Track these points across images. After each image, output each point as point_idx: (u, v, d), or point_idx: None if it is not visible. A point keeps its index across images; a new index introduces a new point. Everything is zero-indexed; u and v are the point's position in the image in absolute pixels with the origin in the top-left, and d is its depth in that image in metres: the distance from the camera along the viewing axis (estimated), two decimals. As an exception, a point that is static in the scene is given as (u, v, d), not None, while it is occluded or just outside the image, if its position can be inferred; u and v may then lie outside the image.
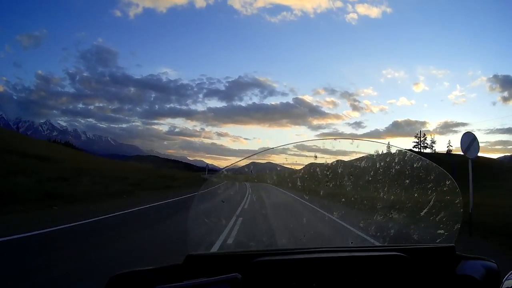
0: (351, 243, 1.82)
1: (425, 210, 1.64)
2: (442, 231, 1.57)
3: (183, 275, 1.18)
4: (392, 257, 1.36)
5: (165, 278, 1.18)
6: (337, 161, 2.16)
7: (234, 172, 2.29)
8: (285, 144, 1.82)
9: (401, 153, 1.88)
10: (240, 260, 1.29)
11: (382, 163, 1.94)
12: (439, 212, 1.60)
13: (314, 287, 1.27)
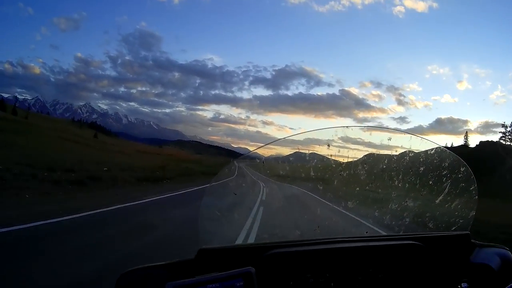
0: (366, 232, 1.81)
1: (440, 198, 1.61)
2: (457, 219, 1.55)
3: (196, 270, 1.17)
4: (407, 245, 1.35)
5: (177, 273, 1.17)
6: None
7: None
8: (291, 135, 1.79)
9: (415, 140, 1.85)
10: (254, 253, 1.28)
11: (396, 151, 1.91)
12: (454, 199, 1.57)
13: (328, 277, 1.28)
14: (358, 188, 2.12)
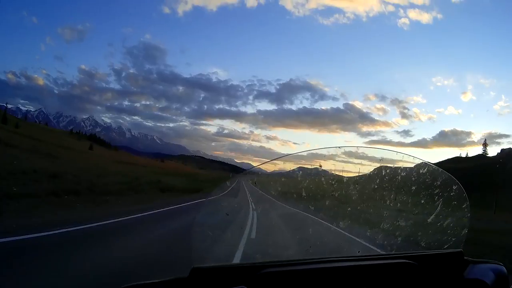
0: (358, 252, 1.79)
1: (432, 217, 1.62)
2: (449, 237, 1.54)
3: None
4: (400, 264, 1.34)
5: None
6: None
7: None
8: (284, 155, 1.80)
9: (407, 158, 1.87)
10: (247, 272, 1.27)
11: (388, 170, 1.92)
12: (446, 217, 1.58)
13: None
14: (349, 208, 2.12)
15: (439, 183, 1.63)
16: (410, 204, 1.74)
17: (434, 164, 1.82)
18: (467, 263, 1.41)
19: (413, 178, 1.76)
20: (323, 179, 2.19)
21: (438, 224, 1.58)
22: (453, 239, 1.53)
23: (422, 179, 1.72)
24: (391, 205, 1.82)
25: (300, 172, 2.10)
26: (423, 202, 1.69)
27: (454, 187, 1.57)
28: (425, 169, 1.72)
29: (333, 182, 2.18)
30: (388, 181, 1.94)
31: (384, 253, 1.57)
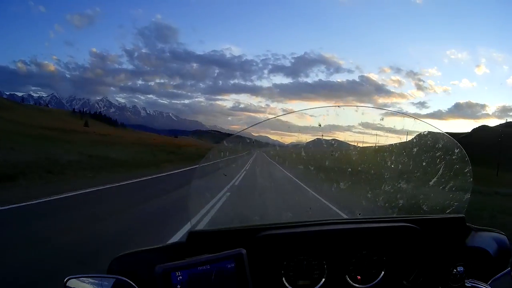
0: (359, 214, 1.81)
1: (434, 180, 1.60)
2: (452, 201, 1.54)
3: (187, 253, 1.18)
4: (401, 228, 1.35)
5: (168, 257, 1.17)
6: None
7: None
8: (265, 119, 1.74)
9: (409, 120, 1.83)
10: (245, 235, 1.28)
11: (388, 132, 1.89)
12: (448, 181, 1.56)
13: (321, 258, 1.28)
14: (350, 169, 2.11)
15: (440, 145, 1.60)
16: (411, 166, 1.72)
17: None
18: (469, 230, 1.41)
19: (415, 140, 1.74)
20: (324, 144, 2.16)
21: (440, 187, 1.57)
22: (455, 203, 1.53)
23: (424, 141, 1.69)
24: (392, 166, 1.81)
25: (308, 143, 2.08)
26: (424, 164, 1.67)
27: (456, 151, 1.54)
28: (427, 131, 1.69)
29: (333, 143, 2.16)
30: (388, 142, 1.91)
31: (386, 216, 1.57)
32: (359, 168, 2.08)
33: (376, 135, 2.06)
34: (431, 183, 1.61)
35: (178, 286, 1.02)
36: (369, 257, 1.32)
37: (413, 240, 1.33)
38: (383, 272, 1.33)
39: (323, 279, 1.29)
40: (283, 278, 1.27)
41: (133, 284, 1.07)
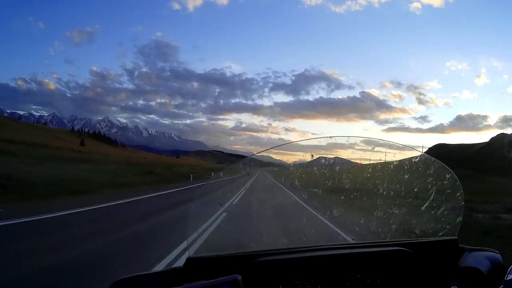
0: (352, 239, 1.82)
1: (426, 204, 1.65)
2: (444, 225, 1.58)
3: (185, 279, 1.18)
4: (394, 252, 1.37)
5: (166, 282, 1.19)
6: (335, 158, 2.15)
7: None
8: (282, 144, 1.80)
9: (399, 148, 1.89)
10: (241, 261, 1.29)
11: (380, 159, 1.94)
12: (440, 205, 1.61)
13: (317, 283, 1.28)
14: (343, 197, 2.14)
15: (431, 171, 1.66)
16: (403, 193, 1.77)
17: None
18: (462, 251, 1.44)
19: (406, 167, 1.79)
20: (315, 168, 2.20)
21: (432, 212, 1.62)
22: (447, 226, 1.56)
23: (415, 167, 1.75)
24: (384, 193, 1.85)
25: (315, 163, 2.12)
26: (416, 190, 1.73)
27: (447, 176, 1.60)
28: (417, 158, 1.75)
29: (325, 172, 2.20)
30: (380, 170, 1.97)
31: (379, 240, 1.59)
32: (351, 196, 2.12)
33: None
34: (423, 208, 1.66)
35: None
36: (363, 280, 1.32)
37: (406, 263, 1.34)
38: None
39: None
40: None
41: None
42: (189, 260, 1.29)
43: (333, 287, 1.30)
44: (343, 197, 2.13)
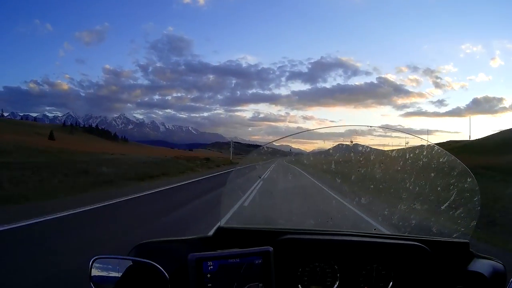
0: (374, 229, 1.92)
1: (446, 204, 1.67)
2: (459, 227, 1.61)
3: (213, 247, 1.25)
4: (412, 247, 1.42)
5: (194, 248, 1.22)
6: (354, 144, 2.19)
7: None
8: (296, 132, 1.88)
9: (430, 146, 1.92)
10: (269, 236, 1.38)
11: (411, 154, 1.98)
12: (458, 207, 1.63)
13: (335, 268, 1.38)
14: (372, 186, 2.21)
15: (455, 173, 1.68)
16: (427, 189, 1.81)
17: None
18: (472, 256, 1.48)
19: (433, 165, 1.83)
20: (352, 154, 2.28)
21: (450, 212, 1.65)
22: (461, 229, 1.59)
23: (441, 167, 1.77)
24: (410, 188, 1.90)
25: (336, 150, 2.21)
26: (439, 189, 1.77)
27: (468, 179, 1.62)
28: (445, 158, 1.78)
29: (361, 159, 2.27)
30: (410, 164, 2.01)
31: (399, 234, 1.68)
32: (380, 186, 2.18)
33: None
34: (443, 207, 1.70)
35: (208, 275, 1.10)
36: (378, 270, 1.40)
37: (422, 259, 1.39)
38: (389, 286, 1.40)
39: (335, 286, 1.38)
40: (299, 285, 1.37)
41: (161, 268, 1.10)
42: (219, 229, 1.38)
43: (350, 272, 1.39)
44: (372, 186, 2.20)
